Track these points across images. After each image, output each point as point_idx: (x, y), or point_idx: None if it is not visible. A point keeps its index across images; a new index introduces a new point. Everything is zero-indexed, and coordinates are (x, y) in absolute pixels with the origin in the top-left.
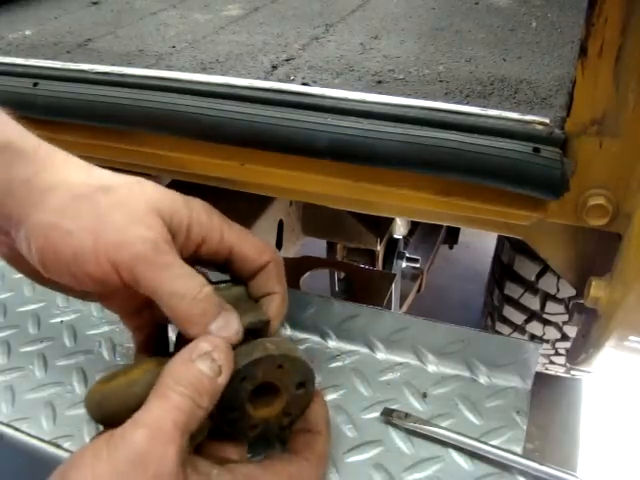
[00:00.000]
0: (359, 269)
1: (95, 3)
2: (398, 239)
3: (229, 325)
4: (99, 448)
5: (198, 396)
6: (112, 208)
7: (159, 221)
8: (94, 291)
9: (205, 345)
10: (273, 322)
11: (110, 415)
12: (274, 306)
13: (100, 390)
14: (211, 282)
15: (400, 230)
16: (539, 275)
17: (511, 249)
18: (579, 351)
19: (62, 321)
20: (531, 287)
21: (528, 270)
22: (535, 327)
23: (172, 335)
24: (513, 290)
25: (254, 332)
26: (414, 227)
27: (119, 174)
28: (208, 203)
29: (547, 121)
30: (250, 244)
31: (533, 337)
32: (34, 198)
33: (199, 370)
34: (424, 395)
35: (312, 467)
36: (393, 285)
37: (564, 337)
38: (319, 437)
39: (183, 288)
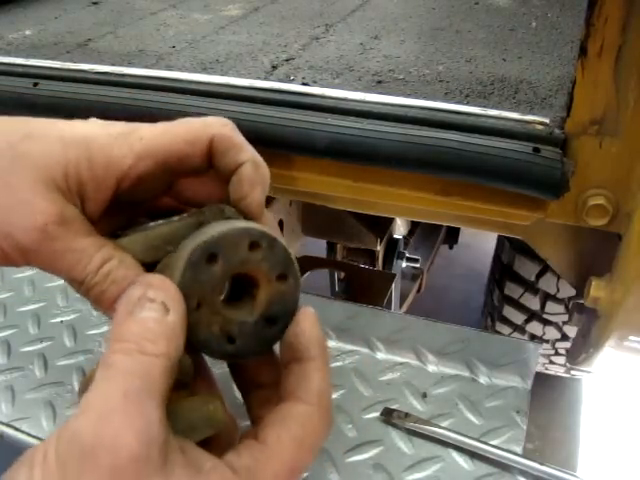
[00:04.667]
0: (359, 269)
1: (95, 3)
2: (398, 239)
3: None
4: (49, 445)
5: (150, 344)
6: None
7: (49, 196)
8: None
9: (135, 291)
10: (246, 189)
11: None
12: (245, 174)
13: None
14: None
15: (400, 230)
16: (539, 275)
17: (511, 249)
18: (579, 351)
19: (62, 321)
20: (531, 287)
21: (528, 270)
22: (535, 327)
23: None
24: (513, 290)
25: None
26: (414, 227)
27: (1, 125)
28: (120, 124)
29: (547, 121)
30: (172, 141)
31: (533, 337)
32: None
33: (139, 318)
34: (424, 395)
35: (314, 410)
36: (393, 285)
37: (564, 337)
38: (312, 364)
39: (79, 275)
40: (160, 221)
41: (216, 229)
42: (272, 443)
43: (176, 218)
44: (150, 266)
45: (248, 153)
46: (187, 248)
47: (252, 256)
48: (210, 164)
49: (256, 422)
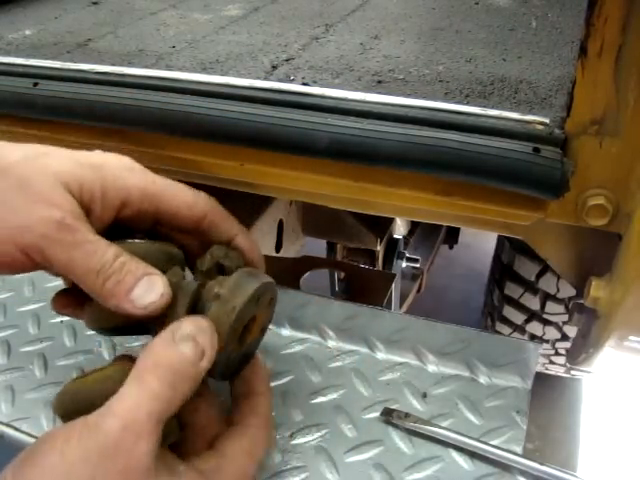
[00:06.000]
0: (359, 269)
1: (95, 3)
2: (398, 239)
3: (152, 289)
4: (71, 433)
5: (179, 382)
6: (11, 191)
7: (66, 196)
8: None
9: (188, 327)
10: (250, 255)
11: (82, 409)
12: (242, 241)
13: (73, 387)
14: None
15: (400, 230)
16: (539, 275)
17: (511, 249)
18: (579, 351)
19: (62, 321)
20: (531, 287)
21: (528, 270)
22: (535, 327)
23: None
24: (513, 290)
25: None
26: (414, 227)
27: (19, 146)
28: (129, 159)
29: (547, 121)
30: (178, 198)
31: (533, 337)
32: None
33: (181, 353)
34: (424, 395)
35: (261, 431)
36: (393, 285)
37: (564, 337)
38: (261, 399)
39: (97, 264)
40: (137, 240)
41: (261, 279)
42: (230, 453)
43: (153, 242)
44: None
45: (237, 225)
46: (246, 285)
47: (268, 308)
48: (198, 229)
49: (187, 427)
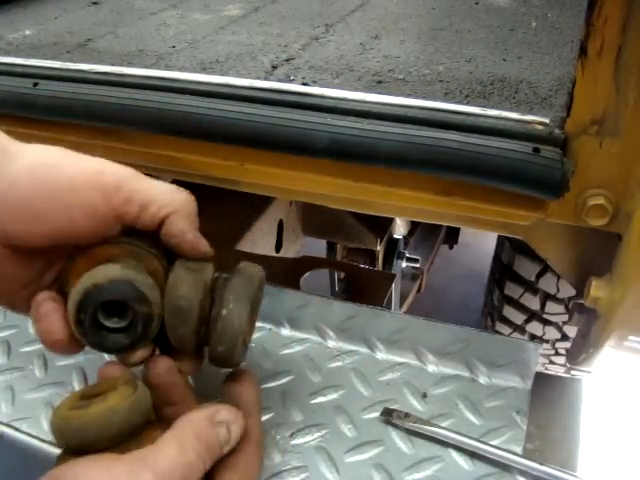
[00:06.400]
0: (359, 269)
1: (95, 3)
2: (398, 239)
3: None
4: (99, 472)
5: (208, 458)
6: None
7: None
8: (67, 238)
9: (228, 415)
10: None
11: (87, 444)
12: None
13: (77, 417)
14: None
15: (400, 230)
16: (539, 275)
17: (511, 249)
18: (579, 351)
19: None
20: (531, 287)
21: (528, 270)
22: (535, 327)
23: None
24: (513, 290)
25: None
26: (414, 227)
27: None
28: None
29: (547, 121)
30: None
31: (533, 337)
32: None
33: (217, 436)
34: (424, 395)
35: (254, 457)
36: (393, 285)
37: (564, 337)
38: (252, 422)
39: (174, 191)
40: None
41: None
42: None
43: None
44: None
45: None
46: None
47: (256, 315)
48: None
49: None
